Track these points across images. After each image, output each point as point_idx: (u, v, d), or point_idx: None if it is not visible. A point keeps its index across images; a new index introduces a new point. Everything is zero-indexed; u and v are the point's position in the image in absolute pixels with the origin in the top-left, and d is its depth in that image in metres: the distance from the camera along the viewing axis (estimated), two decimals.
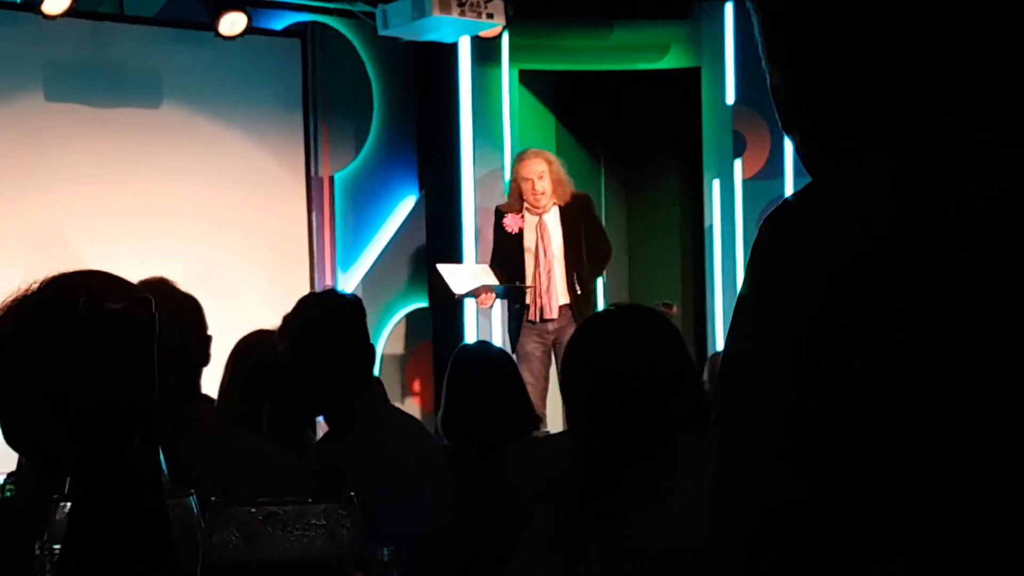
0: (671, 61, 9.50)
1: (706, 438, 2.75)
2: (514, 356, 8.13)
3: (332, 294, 4.84)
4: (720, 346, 8.90)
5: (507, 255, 8.32)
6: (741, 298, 1.35)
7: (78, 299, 1.08)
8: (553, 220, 8.27)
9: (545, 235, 8.25)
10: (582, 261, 8.25)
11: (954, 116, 1.30)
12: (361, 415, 4.00)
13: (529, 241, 8.27)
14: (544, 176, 8.18)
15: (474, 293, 8.29)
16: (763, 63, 1.43)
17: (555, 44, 9.57)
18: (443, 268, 8.66)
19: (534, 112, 9.84)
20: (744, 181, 9.01)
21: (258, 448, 3.42)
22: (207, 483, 1.38)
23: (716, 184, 9.21)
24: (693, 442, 2.73)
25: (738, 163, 9.05)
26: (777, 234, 1.33)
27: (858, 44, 1.35)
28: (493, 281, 8.29)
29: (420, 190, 9.56)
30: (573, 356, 2.92)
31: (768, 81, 1.43)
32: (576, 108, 10.06)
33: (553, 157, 8.44)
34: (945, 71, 1.30)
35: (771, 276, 1.32)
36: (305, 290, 8.96)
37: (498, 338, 8.69)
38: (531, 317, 8.21)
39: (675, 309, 8.44)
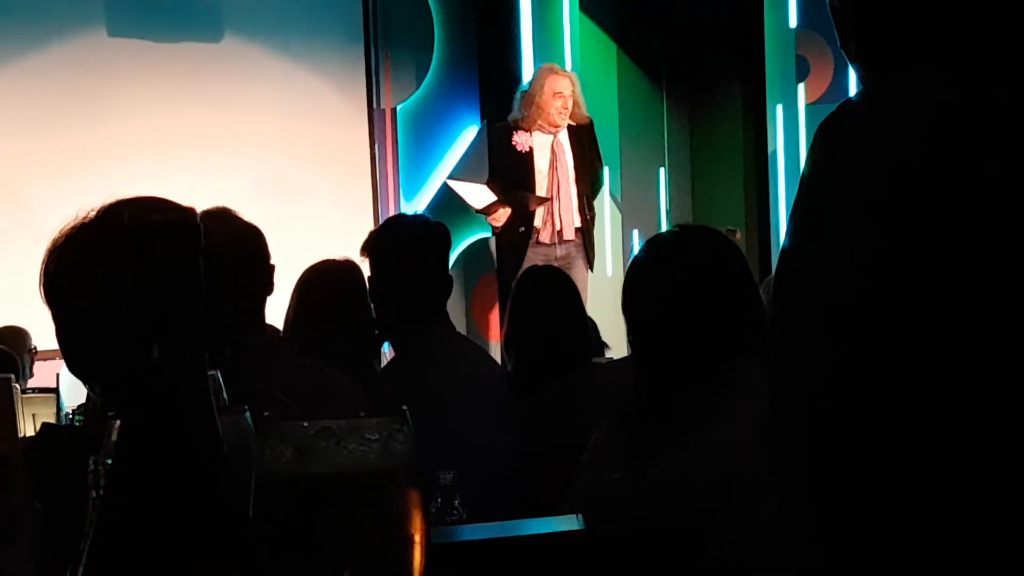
0: None
1: (764, 361, 2.75)
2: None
3: (422, 218, 4.83)
4: None
5: (514, 174, 8.09)
6: (797, 198, 1.37)
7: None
8: (565, 139, 8.09)
9: (561, 154, 8.07)
10: (589, 184, 8.14)
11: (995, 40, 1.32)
12: (429, 342, 4.02)
13: (541, 161, 8.06)
14: (572, 94, 8.03)
15: (490, 209, 8.09)
16: None
17: None
18: (456, 184, 8.55)
19: (595, 39, 9.76)
20: (807, 105, 8.90)
21: (322, 374, 3.46)
22: (268, 407, 1.39)
23: (779, 109, 9.12)
24: (754, 364, 2.73)
25: (801, 87, 8.95)
26: (832, 137, 1.35)
27: None
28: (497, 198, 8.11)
29: (482, 120, 9.53)
30: (636, 275, 2.91)
31: (827, 2, 1.47)
32: (637, 34, 9.97)
33: (574, 75, 8.29)
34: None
35: (827, 177, 1.34)
36: (369, 222, 8.98)
37: None
38: (544, 239, 8.00)
39: (739, 235, 8.38)
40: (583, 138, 8.14)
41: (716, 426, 2.66)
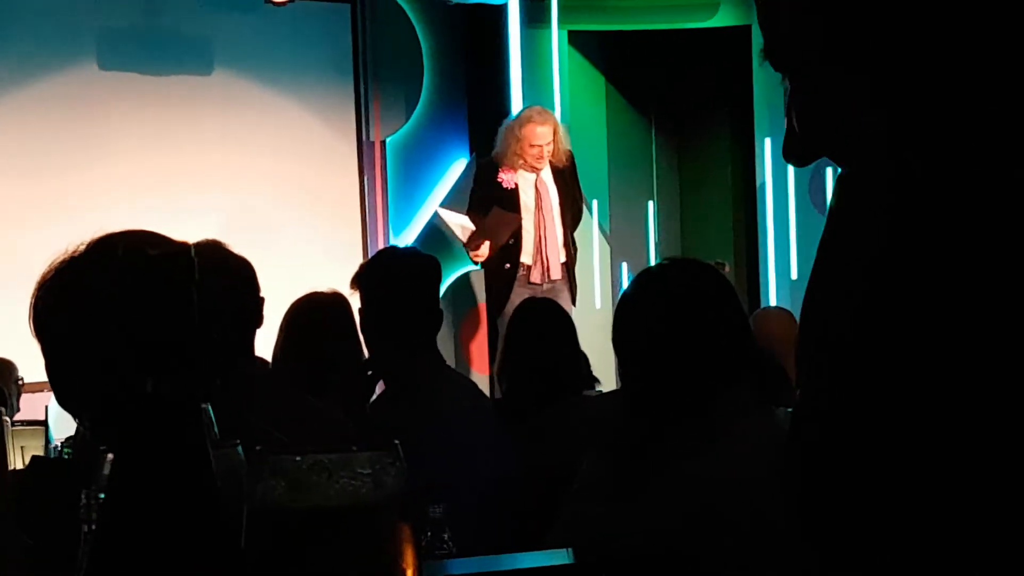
0: (721, 19, 9.43)
1: (754, 392, 2.77)
2: (502, 317, 8.02)
3: (413, 251, 4.83)
4: (772, 303, 8.87)
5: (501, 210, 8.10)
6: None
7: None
8: (549, 177, 8.14)
9: (545, 193, 8.10)
10: (571, 218, 8.19)
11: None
12: (420, 374, 4.02)
13: (527, 197, 8.10)
14: (551, 142, 8.05)
15: (471, 243, 8.10)
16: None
17: (604, 4, 9.52)
18: (446, 213, 8.53)
19: (584, 73, 9.80)
20: None
21: (312, 407, 3.45)
22: (259, 440, 1.39)
23: (768, 142, 9.16)
24: (742, 395, 2.74)
25: None
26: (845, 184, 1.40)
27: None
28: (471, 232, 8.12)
29: (471, 153, 9.56)
30: (626, 309, 2.91)
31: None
32: (626, 68, 10.01)
33: (557, 120, 8.31)
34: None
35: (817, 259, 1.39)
36: (358, 254, 8.98)
37: None
38: (534, 279, 8.04)
39: (727, 268, 8.41)
40: (566, 175, 8.19)
41: (704, 456, 2.67)
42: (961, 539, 1.30)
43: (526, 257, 8.08)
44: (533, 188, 8.10)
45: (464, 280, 9.33)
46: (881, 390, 1.32)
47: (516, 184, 8.09)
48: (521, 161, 8.06)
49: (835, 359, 1.38)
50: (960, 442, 1.30)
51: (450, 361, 8.80)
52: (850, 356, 1.36)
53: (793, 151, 1.55)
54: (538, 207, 8.09)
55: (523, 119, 8.15)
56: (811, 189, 8.88)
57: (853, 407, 1.35)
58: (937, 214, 1.33)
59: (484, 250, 8.08)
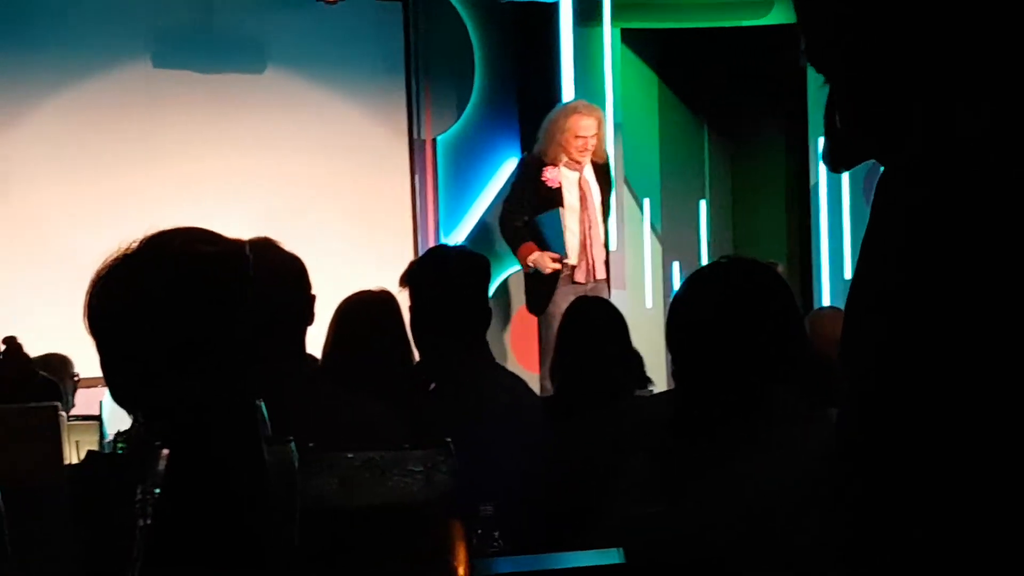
0: (775, 17, 9.38)
1: (809, 392, 2.75)
2: (544, 317, 7.98)
3: (463, 250, 4.82)
4: (826, 303, 8.82)
5: (542, 209, 8.05)
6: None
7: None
8: (591, 176, 8.09)
9: (589, 192, 8.06)
10: (605, 218, 8.17)
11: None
12: (469, 373, 4.02)
13: (571, 197, 8.03)
14: (595, 135, 8.01)
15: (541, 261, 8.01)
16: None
17: (657, 2, 9.49)
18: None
19: (636, 71, 9.77)
20: None
21: (362, 404, 3.46)
22: (309, 436, 1.39)
23: (821, 142, 9.09)
24: (796, 395, 2.72)
25: None
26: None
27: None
28: None
29: (522, 151, 9.55)
30: (681, 306, 2.90)
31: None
32: (679, 67, 9.98)
33: (602, 114, 8.26)
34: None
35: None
36: (408, 253, 8.99)
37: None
38: (579, 279, 7.96)
39: (780, 268, 8.36)
40: (605, 173, 8.19)
41: (755, 457, 2.66)
42: (1004, 539, 1.30)
43: (573, 258, 8.03)
44: (577, 187, 8.05)
45: (516, 278, 9.33)
46: (897, 389, 1.33)
47: (560, 183, 8.04)
48: (565, 155, 8.01)
49: (859, 357, 1.39)
50: (967, 445, 1.30)
51: (501, 359, 8.83)
52: (872, 352, 1.36)
53: (834, 154, 1.55)
54: (583, 207, 8.04)
55: (568, 110, 8.10)
56: (865, 188, 8.83)
57: (872, 405, 1.36)
58: (951, 209, 1.33)
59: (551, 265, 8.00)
